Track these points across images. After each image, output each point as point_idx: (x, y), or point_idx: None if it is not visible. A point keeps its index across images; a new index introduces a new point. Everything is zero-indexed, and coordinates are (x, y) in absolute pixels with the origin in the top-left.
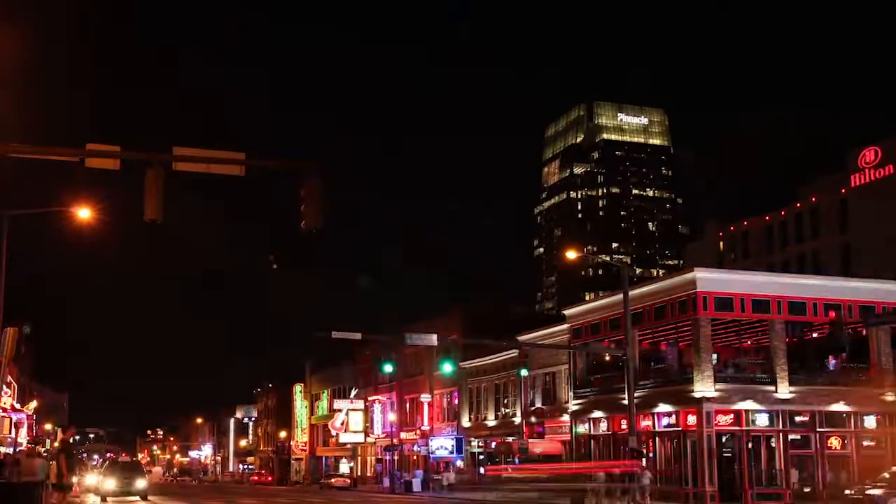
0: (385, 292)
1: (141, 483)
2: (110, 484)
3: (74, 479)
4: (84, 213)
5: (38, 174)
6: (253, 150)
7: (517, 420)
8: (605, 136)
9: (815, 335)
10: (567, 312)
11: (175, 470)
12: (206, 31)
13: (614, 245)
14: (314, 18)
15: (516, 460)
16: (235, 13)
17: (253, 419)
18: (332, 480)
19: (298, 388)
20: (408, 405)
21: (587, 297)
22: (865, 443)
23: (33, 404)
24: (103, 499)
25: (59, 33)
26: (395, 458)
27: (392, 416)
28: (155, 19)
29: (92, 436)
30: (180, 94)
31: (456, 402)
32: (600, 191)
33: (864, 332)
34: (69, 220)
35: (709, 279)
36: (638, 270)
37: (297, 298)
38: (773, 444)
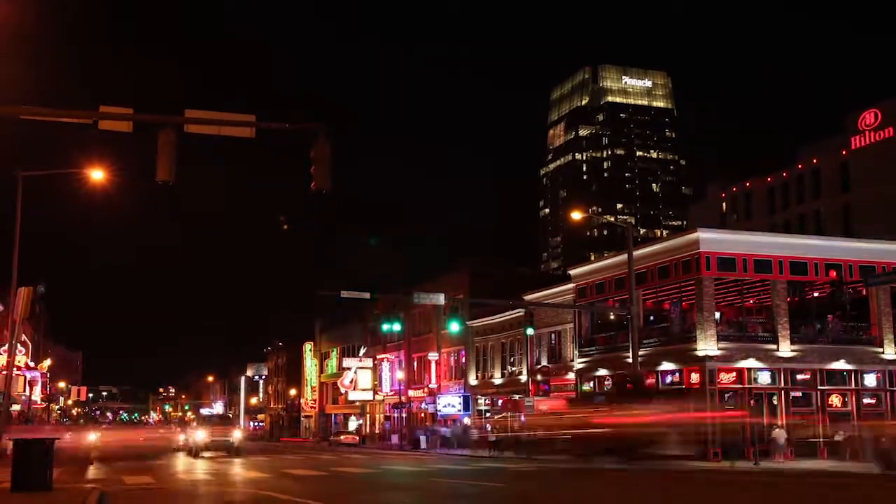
0: (392, 253)
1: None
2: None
3: (92, 436)
4: (97, 175)
5: (51, 138)
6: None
7: (523, 378)
8: (609, 98)
9: (816, 294)
10: (572, 272)
11: None
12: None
13: (619, 206)
14: None
15: (522, 418)
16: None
17: (263, 377)
18: (342, 437)
19: (308, 346)
20: (416, 363)
21: (592, 257)
22: (866, 400)
23: (47, 362)
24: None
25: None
26: (404, 415)
27: (400, 375)
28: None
29: (105, 394)
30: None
31: (463, 360)
32: (605, 152)
33: (865, 292)
34: (83, 181)
35: (711, 239)
36: (642, 231)
37: (307, 258)
38: (775, 402)
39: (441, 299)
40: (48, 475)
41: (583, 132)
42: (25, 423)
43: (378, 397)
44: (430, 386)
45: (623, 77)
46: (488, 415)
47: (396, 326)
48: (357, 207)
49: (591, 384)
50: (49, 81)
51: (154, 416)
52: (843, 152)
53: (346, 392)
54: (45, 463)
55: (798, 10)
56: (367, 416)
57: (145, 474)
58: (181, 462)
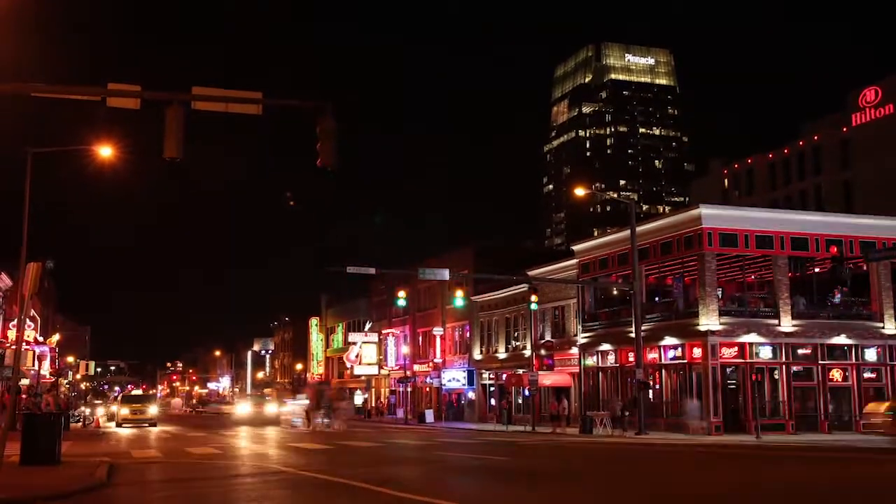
0: (397, 230)
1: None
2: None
3: (101, 412)
4: (106, 152)
5: (59, 119)
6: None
7: (527, 353)
8: (612, 76)
9: (817, 270)
10: (576, 248)
11: (194, 401)
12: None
13: (622, 182)
14: None
15: (526, 392)
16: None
17: (270, 352)
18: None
19: (314, 321)
20: (421, 338)
21: (595, 233)
22: (866, 375)
23: (56, 337)
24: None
25: None
26: (409, 389)
27: (405, 349)
28: None
29: (113, 368)
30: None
31: (468, 335)
32: (608, 129)
33: (865, 267)
34: (91, 158)
35: (714, 215)
36: (645, 207)
37: (313, 234)
38: (777, 376)
39: (446, 275)
40: (56, 448)
41: (586, 109)
42: (35, 397)
43: (383, 372)
44: (435, 360)
45: (626, 55)
46: (493, 389)
47: (402, 301)
48: (362, 185)
49: (595, 359)
50: (52, 70)
51: (161, 389)
52: (844, 129)
53: (352, 366)
54: (52, 437)
55: None
56: (373, 390)
57: (149, 448)
58: (185, 437)
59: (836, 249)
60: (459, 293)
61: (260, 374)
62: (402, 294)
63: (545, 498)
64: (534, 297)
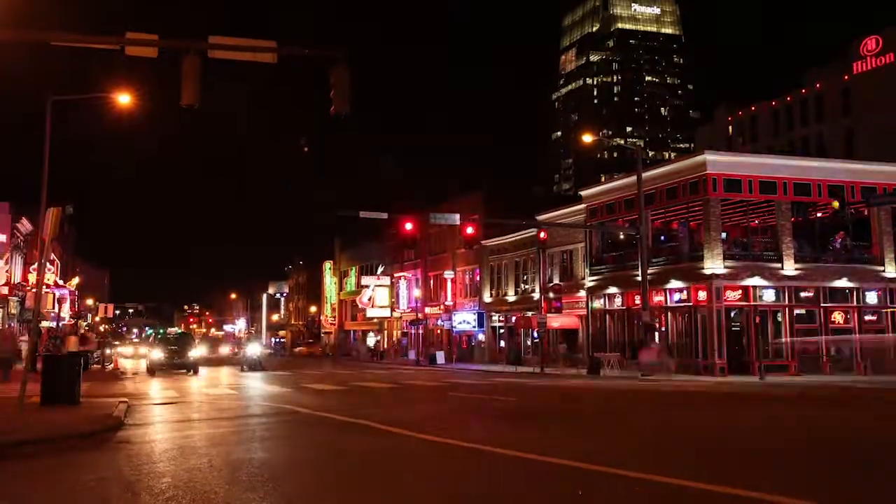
0: (409, 174)
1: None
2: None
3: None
4: (124, 99)
5: (77, 70)
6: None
7: (536, 295)
8: (619, 25)
9: (819, 215)
10: (583, 193)
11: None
12: None
13: (628, 129)
14: None
15: (535, 334)
16: None
17: (284, 295)
18: (353, 353)
19: (328, 265)
20: (432, 281)
21: (602, 179)
22: (867, 317)
23: (76, 281)
24: (151, 372)
25: None
26: (420, 331)
27: (417, 292)
28: None
29: (131, 311)
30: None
31: (478, 278)
32: (615, 77)
33: (866, 213)
34: (111, 105)
35: (718, 161)
36: (651, 153)
37: (327, 179)
38: (780, 319)
39: (456, 219)
40: (75, 389)
41: (593, 58)
42: (54, 339)
43: (395, 314)
44: (446, 303)
45: (632, 4)
46: (502, 331)
47: (409, 226)
48: (371, 130)
49: (602, 301)
50: (71, 25)
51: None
52: (846, 77)
53: (365, 309)
54: (71, 378)
55: None
56: (385, 332)
57: (166, 388)
58: (201, 379)
59: (837, 197)
60: (470, 230)
61: (275, 317)
62: (409, 225)
63: (554, 436)
64: (542, 242)
